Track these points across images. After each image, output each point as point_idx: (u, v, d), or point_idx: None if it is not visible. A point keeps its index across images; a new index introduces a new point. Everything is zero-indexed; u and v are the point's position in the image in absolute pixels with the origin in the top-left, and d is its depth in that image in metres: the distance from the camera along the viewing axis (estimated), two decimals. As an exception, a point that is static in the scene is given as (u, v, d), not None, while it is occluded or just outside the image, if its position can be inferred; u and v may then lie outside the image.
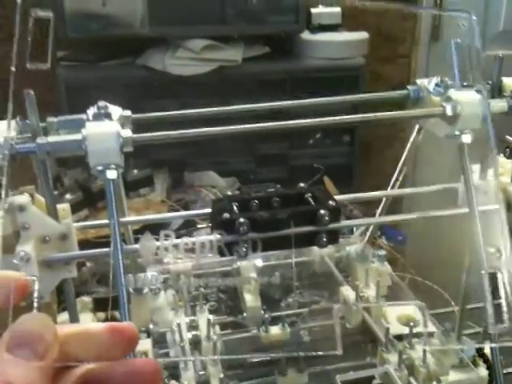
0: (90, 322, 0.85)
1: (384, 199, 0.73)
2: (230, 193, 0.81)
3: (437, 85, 0.59)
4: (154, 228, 1.00)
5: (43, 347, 0.26)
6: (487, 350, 0.69)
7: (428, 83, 0.60)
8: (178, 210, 1.15)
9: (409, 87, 0.61)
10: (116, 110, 0.51)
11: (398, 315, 0.76)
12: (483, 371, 0.64)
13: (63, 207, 0.55)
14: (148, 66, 1.35)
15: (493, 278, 0.50)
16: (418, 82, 0.61)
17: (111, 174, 0.47)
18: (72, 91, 1.30)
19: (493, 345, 0.52)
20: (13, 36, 0.39)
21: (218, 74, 1.34)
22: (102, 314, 0.87)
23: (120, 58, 1.40)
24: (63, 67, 1.37)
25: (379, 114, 0.54)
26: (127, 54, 1.41)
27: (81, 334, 0.29)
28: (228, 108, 0.56)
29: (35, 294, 0.29)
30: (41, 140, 0.47)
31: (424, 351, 0.62)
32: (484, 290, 0.49)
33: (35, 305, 0.28)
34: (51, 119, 0.53)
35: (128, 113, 0.53)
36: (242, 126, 0.51)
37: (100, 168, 0.47)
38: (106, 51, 1.39)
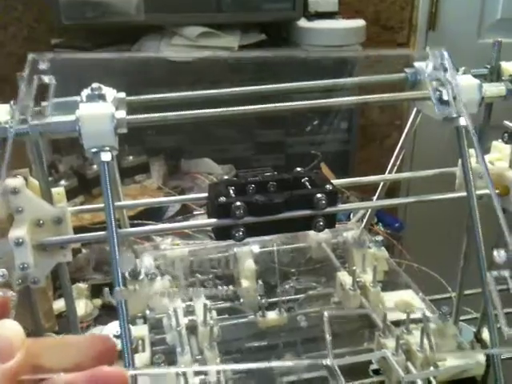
0: (86, 309, 0.85)
1: (381, 184, 0.73)
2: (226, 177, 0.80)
3: (434, 68, 0.58)
4: (150, 214, 1.00)
5: (8, 351, 0.26)
6: (485, 336, 0.69)
7: (426, 66, 0.59)
8: (174, 197, 1.14)
9: (406, 70, 0.60)
10: (110, 92, 0.50)
11: (395, 301, 0.76)
12: (481, 356, 0.64)
13: (58, 191, 0.55)
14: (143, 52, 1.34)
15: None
16: (416, 65, 0.60)
17: (105, 156, 0.47)
18: (67, 78, 1.29)
19: (493, 352, 0.52)
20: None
21: (214, 60, 1.33)
22: (98, 301, 0.87)
23: (115, 45, 1.39)
24: (58, 54, 1.35)
25: (376, 96, 0.54)
26: (122, 41, 1.40)
27: (57, 345, 0.29)
28: (226, 90, 0.56)
29: (11, 306, 0.30)
30: (33, 121, 0.47)
31: (421, 336, 0.62)
32: (492, 292, 0.48)
33: (11, 315, 0.29)
34: (45, 103, 0.52)
35: (122, 95, 0.53)
36: (240, 108, 0.50)
37: (94, 150, 0.47)
38: (101, 38, 1.38)
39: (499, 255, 0.49)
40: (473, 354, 0.64)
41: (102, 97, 0.49)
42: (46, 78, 0.48)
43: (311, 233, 0.83)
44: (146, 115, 0.49)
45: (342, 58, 1.41)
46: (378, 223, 1.07)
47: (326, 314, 0.60)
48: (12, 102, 0.50)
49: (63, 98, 0.52)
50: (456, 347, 0.64)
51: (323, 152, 1.37)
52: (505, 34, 1.32)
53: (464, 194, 0.55)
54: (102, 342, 0.29)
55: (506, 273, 0.49)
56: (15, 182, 0.50)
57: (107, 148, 0.47)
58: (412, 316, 0.67)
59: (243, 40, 1.38)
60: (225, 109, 0.51)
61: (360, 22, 1.47)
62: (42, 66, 0.47)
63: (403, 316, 0.70)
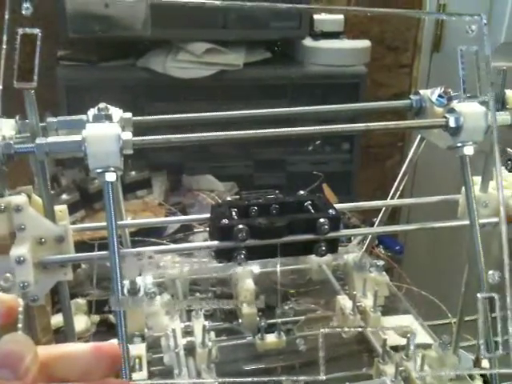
0: (84, 325, 0.84)
1: (383, 209, 0.72)
2: (228, 198, 0.81)
3: (440, 96, 0.59)
4: (151, 231, 1.00)
5: (23, 368, 0.26)
6: (484, 363, 0.69)
7: (431, 94, 0.59)
8: (175, 213, 1.14)
9: (411, 97, 0.60)
10: (117, 112, 0.50)
11: (394, 326, 0.75)
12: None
13: (60, 208, 0.55)
14: (149, 68, 1.34)
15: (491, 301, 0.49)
16: (421, 92, 0.61)
17: (110, 177, 0.47)
18: (72, 91, 1.29)
19: (492, 370, 0.52)
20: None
21: (219, 78, 1.34)
22: (96, 317, 0.86)
23: (121, 59, 1.40)
24: (63, 67, 1.36)
25: (382, 124, 0.54)
26: (128, 56, 1.40)
27: (65, 354, 0.29)
28: (228, 113, 0.56)
29: (20, 316, 0.29)
30: (40, 140, 0.46)
31: (421, 364, 0.61)
32: (479, 312, 0.48)
33: (19, 325, 0.29)
34: (51, 119, 0.52)
35: (129, 115, 0.53)
36: (243, 132, 0.50)
37: (99, 170, 0.47)
38: (107, 52, 1.39)
39: (493, 276, 0.50)
40: (471, 382, 0.64)
41: (108, 117, 0.49)
42: (33, 30, 0.46)
43: (312, 255, 0.83)
44: (151, 137, 0.49)
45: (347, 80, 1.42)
46: (379, 245, 1.07)
47: (321, 330, 0.59)
48: (17, 118, 0.50)
49: (68, 117, 0.52)
50: (455, 376, 0.64)
51: (325, 172, 1.37)
52: (509, 59, 1.33)
53: (467, 222, 0.55)
54: (109, 352, 0.29)
55: (495, 295, 0.49)
56: (18, 199, 0.49)
57: (112, 168, 0.47)
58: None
59: (248, 57, 1.38)
60: (226, 133, 0.51)
61: (365, 43, 1.48)
62: (26, 10, 0.45)
63: (401, 341, 0.70)
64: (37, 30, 0.46)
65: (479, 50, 0.54)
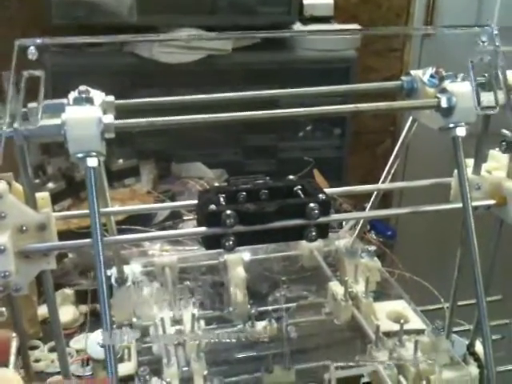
0: (71, 315, 0.83)
1: (375, 193, 0.71)
2: (217, 184, 0.79)
3: (431, 76, 0.57)
4: (139, 219, 0.99)
5: None
6: (478, 348, 0.68)
7: (422, 74, 0.58)
8: (164, 201, 1.12)
9: (403, 78, 0.59)
10: (98, 95, 0.49)
11: (387, 311, 0.75)
12: (474, 369, 0.62)
13: (42, 196, 0.53)
14: (135, 53, 1.32)
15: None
16: (412, 72, 0.59)
17: (92, 162, 0.45)
18: (57, 78, 1.26)
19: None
20: None
21: (207, 63, 1.31)
22: (84, 307, 0.85)
23: (107, 45, 1.37)
24: (49, 52, 1.33)
25: (373, 105, 0.52)
26: (114, 42, 1.38)
27: None
28: (216, 95, 0.54)
29: (12, 351, 0.29)
30: (18, 125, 0.45)
31: (415, 349, 0.60)
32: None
33: (11, 361, 0.28)
34: (31, 104, 0.50)
35: (111, 98, 0.51)
36: (230, 114, 0.49)
37: (80, 155, 0.45)
38: (93, 38, 1.36)
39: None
40: (466, 367, 0.63)
41: (89, 100, 0.47)
42: (37, 72, 0.46)
43: (303, 241, 0.82)
44: (133, 120, 0.47)
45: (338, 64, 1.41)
46: (371, 231, 1.06)
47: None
48: (-3, 104, 0.48)
49: (50, 101, 0.50)
50: (449, 361, 0.63)
51: (316, 158, 1.35)
52: (500, 42, 1.31)
53: (460, 205, 0.54)
54: None
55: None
56: (-2, 186, 0.48)
57: (94, 153, 0.45)
58: (404, 327, 0.65)
59: (237, 42, 1.36)
60: (212, 115, 0.49)
61: (355, 27, 1.46)
62: (32, 55, 0.45)
63: (394, 327, 0.69)
64: (41, 72, 0.46)
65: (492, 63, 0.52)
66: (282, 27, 1.41)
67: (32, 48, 0.45)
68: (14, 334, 0.30)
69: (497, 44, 0.52)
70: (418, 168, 1.61)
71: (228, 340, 0.57)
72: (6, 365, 0.30)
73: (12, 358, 0.29)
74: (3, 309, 0.31)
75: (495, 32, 0.52)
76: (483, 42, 0.53)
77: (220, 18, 1.37)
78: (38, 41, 0.45)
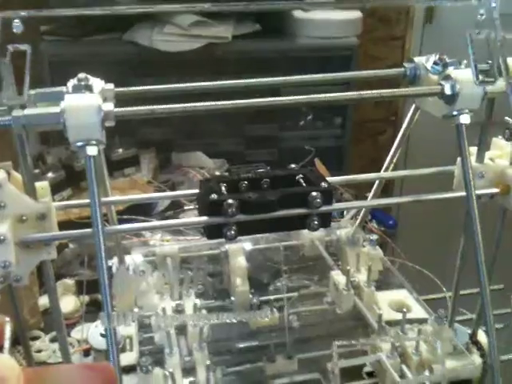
0: (72, 305, 0.83)
1: (377, 182, 0.71)
2: (218, 173, 0.79)
3: (435, 63, 0.56)
4: (139, 209, 0.98)
5: None
6: (480, 338, 0.68)
7: (426, 61, 0.57)
8: (164, 191, 1.12)
9: (405, 65, 0.58)
10: (98, 83, 0.48)
11: (389, 301, 0.75)
12: (477, 358, 0.62)
13: (42, 185, 0.52)
14: (135, 41, 1.31)
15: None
16: (415, 59, 0.58)
17: (91, 150, 0.44)
18: (56, 67, 1.25)
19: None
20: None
21: (207, 51, 1.30)
22: (85, 297, 0.85)
23: (106, 33, 1.35)
24: (46, 42, 1.32)
25: (376, 92, 0.51)
26: (113, 29, 1.36)
27: (54, 375, 0.28)
28: (217, 83, 0.54)
29: (7, 336, 0.28)
30: (16, 113, 0.44)
31: (417, 339, 0.60)
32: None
33: (6, 346, 0.28)
34: (29, 92, 0.49)
35: (111, 86, 0.50)
36: (231, 102, 0.48)
37: (80, 144, 0.44)
38: (91, 26, 1.35)
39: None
40: (469, 356, 0.63)
41: (88, 88, 0.46)
42: (22, 46, 0.44)
43: (304, 230, 0.81)
44: (133, 108, 0.46)
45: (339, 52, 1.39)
46: (372, 220, 1.05)
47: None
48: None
49: (48, 88, 0.50)
50: (452, 350, 0.63)
51: (317, 147, 1.34)
52: (503, 29, 1.30)
53: (463, 193, 0.54)
54: (101, 372, 0.27)
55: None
56: (-4, 176, 0.47)
57: (93, 142, 0.44)
58: (407, 316, 0.65)
59: (237, 30, 1.35)
60: (213, 102, 0.49)
61: (356, 14, 1.45)
62: (17, 29, 0.44)
63: (397, 316, 0.69)
64: (26, 46, 0.44)
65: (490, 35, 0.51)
66: (283, 13, 1.40)
67: (17, 21, 0.44)
68: (8, 319, 0.30)
69: (495, 16, 0.51)
70: (419, 157, 1.60)
71: (228, 321, 0.56)
72: (0, 350, 0.29)
73: (6, 343, 0.28)
74: (7, 319, 0.31)
75: (493, 4, 0.51)
76: (481, 14, 0.52)
77: (219, 3, 1.35)
78: (23, 13, 0.44)
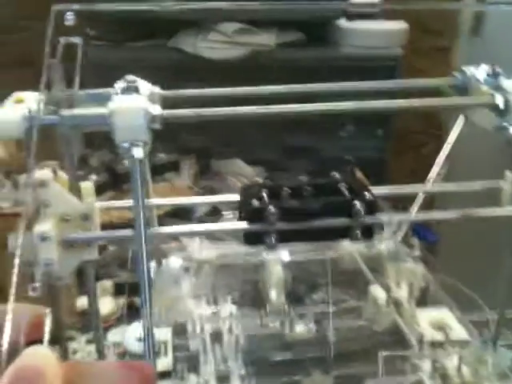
0: (109, 307, 0.83)
1: (421, 195, 0.69)
2: (259, 180, 0.78)
3: (487, 73, 0.55)
4: (178, 215, 0.98)
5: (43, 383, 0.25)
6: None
7: (477, 71, 0.55)
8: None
9: (455, 74, 0.56)
10: (145, 85, 0.48)
11: (430, 319, 0.72)
12: (521, 384, 0.59)
13: (86, 186, 0.53)
14: (179, 48, 1.32)
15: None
16: (466, 69, 0.57)
17: (137, 152, 0.44)
18: (99, 72, 1.28)
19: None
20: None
21: (251, 59, 1.30)
22: (122, 300, 0.85)
23: (150, 39, 1.38)
24: (93, 46, 1.35)
25: (426, 100, 0.50)
26: (159, 36, 1.38)
27: (91, 371, 0.28)
28: (262, 88, 0.53)
29: (47, 328, 0.28)
30: (65, 112, 0.45)
31: (459, 360, 0.58)
32: None
33: (46, 338, 0.28)
34: (77, 92, 0.50)
35: (157, 89, 0.51)
36: (279, 106, 0.48)
37: (126, 145, 0.44)
38: (138, 32, 1.37)
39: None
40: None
41: (136, 90, 0.46)
42: (74, 39, 0.45)
43: (343, 242, 0.80)
44: (180, 110, 0.46)
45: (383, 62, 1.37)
46: (413, 235, 1.03)
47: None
48: (43, 89, 0.48)
49: (96, 90, 0.50)
50: (495, 374, 0.60)
51: (357, 158, 1.33)
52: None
53: (515, 210, 0.52)
54: (139, 371, 0.27)
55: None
56: (43, 174, 0.48)
57: (140, 143, 0.44)
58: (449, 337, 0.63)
59: (280, 38, 1.35)
60: (261, 107, 0.48)
61: (402, 24, 1.43)
62: (69, 21, 0.44)
63: (437, 336, 0.67)
64: (78, 39, 0.44)
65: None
66: (326, 23, 1.39)
67: (69, 13, 0.44)
68: (48, 310, 0.30)
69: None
70: (460, 171, 1.56)
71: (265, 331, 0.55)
72: (41, 341, 0.29)
73: (46, 336, 0.28)
74: (37, 284, 0.30)
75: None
76: None
77: (263, 11, 1.36)
78: (75, 6, 0.44)
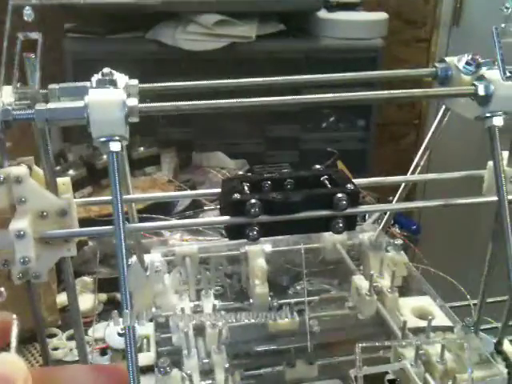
0: (90, 303, 0.82)
1: (403, 185, 0.69)
2: (241, 173, 0.77)
3: (467, 63, 0.55)
4: (159, 209, 0.98)
5: None
6: (506, 347, 0.66)
7: (458, 61, 0.55)
8: (185, 191, 1.11)
9: (437, 64, 0.56)
10: (122, 78, 0.47)
11: (412, 307, 0.73)
12: (502, 369, 0.60)
13: (63, 181, 0.52)
14: (158, 40, 1.31)
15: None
16: (447, 59, 0.57)
17: (115, 146, 0.43)
18: (79, 64, 1.26)
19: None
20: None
21: (231, 50, 1.29)
22: (103, 295, 0.84)
23: (130, 32, 1.36)
24: (70, 39, 1.32)
25: (407, 91, 0.50)
26: (137, 28, 1.36)
27: (62, 377, 0.27)
28: (241, 81, 0.52)
29: (14, 334, 0.27)
30: (39, 106, 0.44)
31: (442, 347, 0.58)
32: None
33: (13, 344, 0.27)
34: (52, 86, 0.49)
35: (135, 82, 0.50)
36: (258, 99, 0.47)
37: (103, 139, 0.44)
38: (115, 24, 1.35)
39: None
40: (496, 366, 0.61)
41: (113, 83, 0.45)
42: (33, 34, 0.44)
43: (326, 233, 0.80)
44: (158, 104, 0.45)
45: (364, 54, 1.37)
46: (394, 225, 1.03)
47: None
48: (18, 84, 0.47)
49: (71, 83, 0.49)
50: (478, 359, 0.61)
51: (339, 149, 1.33)
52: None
53: (494, 198, 0.52)
54: (111, 375, 0.26)
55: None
56: (18, 170, 0.47)
57: (117, 137, 0.44)
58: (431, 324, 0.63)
59: (261, 30, 1.34)
60: (238, 100, 0.48)
61: (382, 15, 1.43)
62: (28, 16, 0.43)
63: (420, 323, 0.67)
64: (37, 34, 0.43)
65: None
66: (307, 14, 1.38)
67: (28, 8, 0.43)
68: (15, 316, 0.29)
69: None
70: (442, 161, 1.57)
71: (247, 321, 0.55)
72: (6, 349, 0.29)
73: (13, 342, 0.27)
74: (2, 289, 0.30)
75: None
76: (507, 7, 0.51)
77: (243, 3, 1.34)
78: (34, 1, 0.43)
